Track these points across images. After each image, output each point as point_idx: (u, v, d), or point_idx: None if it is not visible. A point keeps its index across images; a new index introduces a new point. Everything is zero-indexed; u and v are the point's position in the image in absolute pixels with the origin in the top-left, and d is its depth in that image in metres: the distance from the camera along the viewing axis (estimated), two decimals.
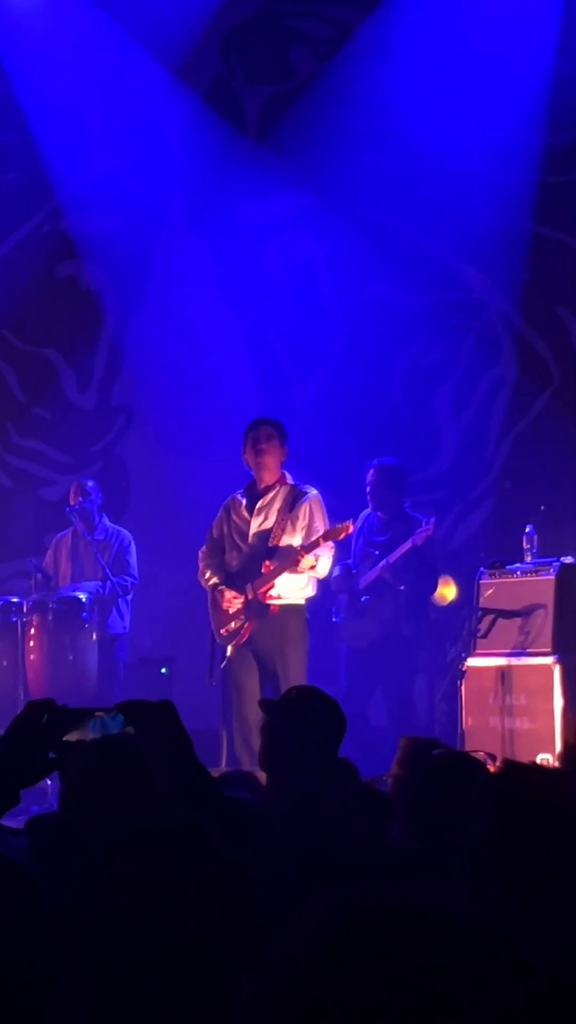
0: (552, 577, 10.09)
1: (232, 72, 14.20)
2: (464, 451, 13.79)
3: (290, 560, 10.33)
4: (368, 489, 11.60)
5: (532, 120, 13.35)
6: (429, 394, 13.88)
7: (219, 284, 14.09)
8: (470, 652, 10.34)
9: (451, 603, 12.14)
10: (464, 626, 10.67)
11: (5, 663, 11.80)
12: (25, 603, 11.91)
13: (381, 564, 11.48)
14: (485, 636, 10.28)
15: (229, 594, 10.48)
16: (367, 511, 11.66)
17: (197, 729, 9.98)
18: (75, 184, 14.01)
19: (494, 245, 13.55)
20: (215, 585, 10.59)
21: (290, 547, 10.38)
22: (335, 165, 13.73)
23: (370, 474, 11.66)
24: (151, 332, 14.15)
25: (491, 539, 12.98)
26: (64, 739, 3.72)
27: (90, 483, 12.43)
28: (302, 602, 10.50)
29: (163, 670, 12.87)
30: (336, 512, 10.94)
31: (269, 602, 10.38)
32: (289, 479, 10.60)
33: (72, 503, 12.21)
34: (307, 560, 10.30)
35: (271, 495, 10.54)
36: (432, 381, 13.86)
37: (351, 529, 10.77)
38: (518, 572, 10.33)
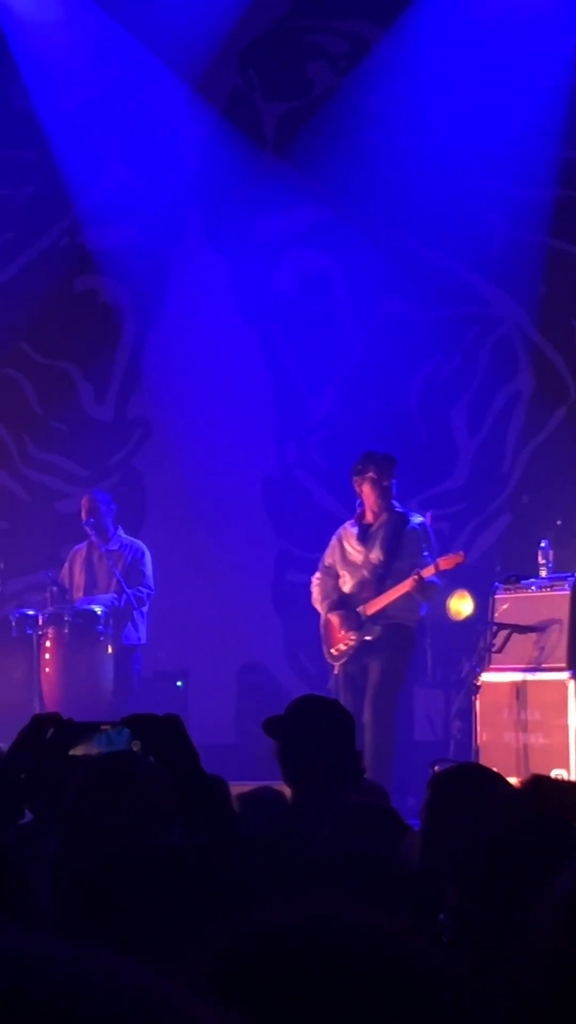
0: (567, 592, 10.06)
1: (250, 86, 14.21)
2: (480, 466, 13.77)
3: (403, 585, 10.43)
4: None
5: (548, 133, 13.34)
6: (445, 409, 13.86)
7: (236, 298, 14.09)
8: (484, 667, 10.32)
9: (467, 618, 12.12)
10: (479, 641, 10.65)
11: (21, 676, 11.82)
12: (41, 616, 11.94)
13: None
14: (500, 651, 10.27)
15: (335, 619, 10.64)
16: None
17: (211, 743, 9.97)
18: (93, 198, 14.03)
19: (510, 259, 13.53)
20: (327, 608, 10.77)
21: (403, 573, 10.48)
22: (352, 179, 13.73)
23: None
24: (168, 345, 14.15)
25: (507, 554, 12.94)
26: (69, 753, 3.71)
27: (103, 494, 12.45)
28: (412, 624, 10.67)
29: (178, 683, 12.86)
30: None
31: (380, 623, 10.50)
32: (397, 507, 10.79)
33: (85, 516, 12.20)
34: (418, 583, 10.35)
35: (379, 523, 10.71)
36: (448, 396, 13.84)
37: (463, 559, 10.77)
38: (533, 587, 10.31)
